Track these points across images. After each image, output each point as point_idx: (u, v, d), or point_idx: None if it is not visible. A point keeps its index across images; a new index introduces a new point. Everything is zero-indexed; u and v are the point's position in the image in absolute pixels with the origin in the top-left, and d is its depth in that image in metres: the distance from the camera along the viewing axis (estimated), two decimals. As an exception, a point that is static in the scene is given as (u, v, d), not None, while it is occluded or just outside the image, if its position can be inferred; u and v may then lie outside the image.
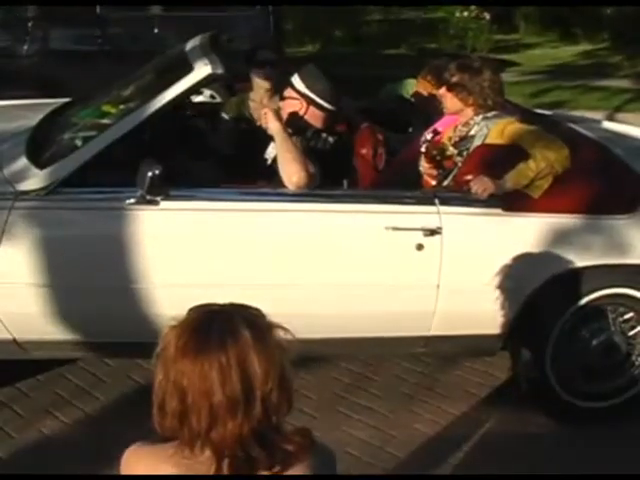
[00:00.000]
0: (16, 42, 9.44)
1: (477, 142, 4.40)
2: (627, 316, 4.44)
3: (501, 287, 4.15)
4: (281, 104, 4.53)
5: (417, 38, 17.33)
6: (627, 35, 16.04)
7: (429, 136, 4.52)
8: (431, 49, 15.87)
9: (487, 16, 16.70)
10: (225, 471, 1.84)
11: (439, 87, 4.77)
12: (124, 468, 1.97)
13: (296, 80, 4.44)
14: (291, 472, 1.88)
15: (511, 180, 4.11)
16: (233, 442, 1.82)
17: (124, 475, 1.97)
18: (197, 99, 6.74)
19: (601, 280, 4.31)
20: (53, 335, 4.11)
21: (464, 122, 4.52)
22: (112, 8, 9.54)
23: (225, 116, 5.35)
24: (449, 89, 4.51)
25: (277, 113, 4.28)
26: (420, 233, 4.06)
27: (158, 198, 3.93)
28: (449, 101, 4.54)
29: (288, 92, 4.48)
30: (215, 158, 4.86)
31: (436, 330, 4.27)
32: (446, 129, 4.64)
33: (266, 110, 4.29)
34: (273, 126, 4.19)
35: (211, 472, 1.85)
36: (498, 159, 4.23)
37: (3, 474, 4.02)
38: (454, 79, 4.48)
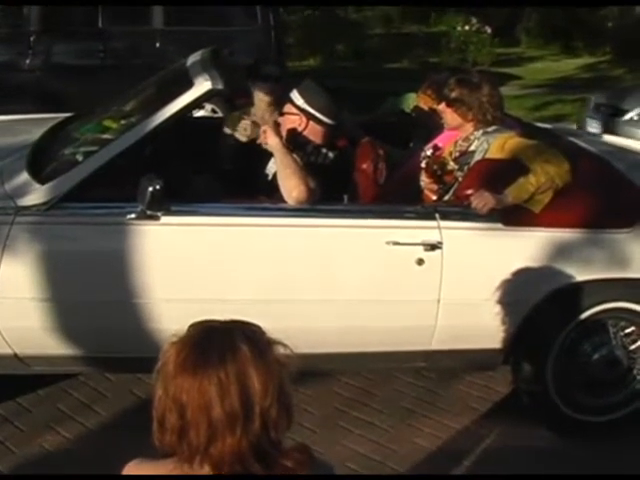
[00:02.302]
0: (18, 56, 9.49)
1: (477, 157, 4.40)
2: (628, 330, 4.43)
3: (502, 301, 4.15)
4: (280, 120, 4.53)
5: (419, 52, 17.39)
6: (629, 48, 16.08)
7: (429, 152, 4.52)
8: (433, 63, 15.90)
9: (488, 30, 16.76)
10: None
11: (439, 102, 4.78)
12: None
13: (295, 95, 4.45)
14: (290, 488, 1.89)
15: (512, 195, 4.11)
16: (232, 457, 1.82)
17: (124, 475, 1.98)
18: (198, 114, 6.76)
19: (602, 294, 4.31)
20: (54, 350, 4.10)
21: (464, 137, 4.53)
22: (114, 23, 9.58)
23: (226, 131, 5.36)
24: (449, 104, 4.52)
25: (276, 129, 4.29)
26: (421, 248, 4.06)
27: (159, 213, 3.94)
28: (449, 116, 4.56)
29: (287, 108, 4.49)
30: (216, 173, 4.87)
31: (437, 345, 4.27)
32: (447, 144, 4.65)
33: (265, 127, 4.30)
34: (272, 142, 4.20)
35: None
36: (499, 174, 4.24)
37: (3, 475, 4.02)
38: (453, 94, 4.50)
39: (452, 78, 4.61)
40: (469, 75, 4.70)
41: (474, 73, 4.77)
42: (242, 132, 5.19)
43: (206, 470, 1.85)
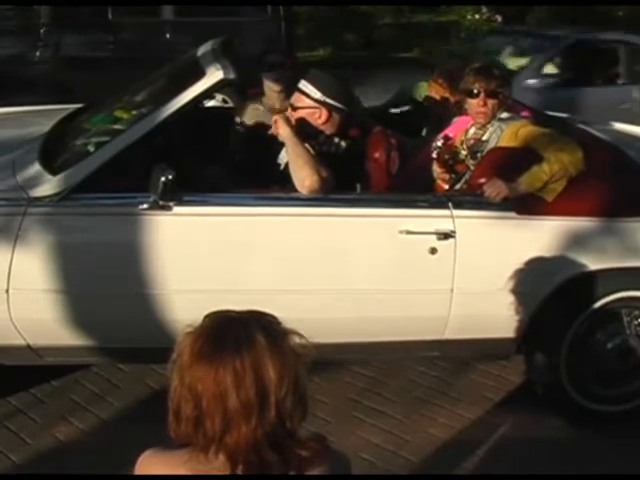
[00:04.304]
0: (29, 48, 9.49)
1: (491, 144, 4.38)
2: (642, 319, 4.42)
3: (515, 291, 4.14)
4: (294, 114, 4.46)
5: (429, 41, 17.33)
6: (640, 36, 16.01)
7: (440, 142, 4.48)
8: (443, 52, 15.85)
9: (499, 18, 16.72)
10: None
11: (451, 91, 4.75)
12: (138, 474, 1.97)
13: (309, 88, 4.38)
14: (306, 478, 1.89)
15: (525, 183, 4.09)
16: (247, 447, 1.83)
17: (131, 475, 1.98)
18: (209, 104, 6.75)
19: (615, 283, 4.30)
20: (67, 341, 4.11)
21: (480, 125, 4.48)
22: (124, 14, 9.58)
23: (238, 121, 5.35)
24: (493, 95, 4.43)
25: (287, 119, 4.28)
26: (434, 237, 4.05)
27: (171, 203, 3.93)
28: (489, 107, 4.41)
29: (301, 101, 4.42)
30: (228, 163, 4.86)
31: (450, 334, 4.26)
32: (457, 133, 4.62)
33: (276, 117, 4.29)
34: (284, 132, 4.18)
35: (226, 478, 1.85)
36: (511, 162, 4.22)
37: (4, 474, 4.03)
38: (494, 84, 4.41)
39: (495, 70, 4.53)
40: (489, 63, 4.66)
41: (494, 63, 4.70)
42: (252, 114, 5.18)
43: (221, 460, 1.86)
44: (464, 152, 4.47)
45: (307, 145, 4.19)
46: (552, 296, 4.21)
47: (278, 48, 8.63)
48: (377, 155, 4.52)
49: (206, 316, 1.92)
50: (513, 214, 4.13)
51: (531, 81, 9.54)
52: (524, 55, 10.38)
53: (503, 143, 4.32)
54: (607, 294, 4.28)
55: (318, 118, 4.38)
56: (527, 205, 4.13)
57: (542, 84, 9.55)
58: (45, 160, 4.22)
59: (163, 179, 3.83)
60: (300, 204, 4.10)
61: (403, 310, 4.17)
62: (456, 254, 4.08)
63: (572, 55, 9.98)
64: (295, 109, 4.45)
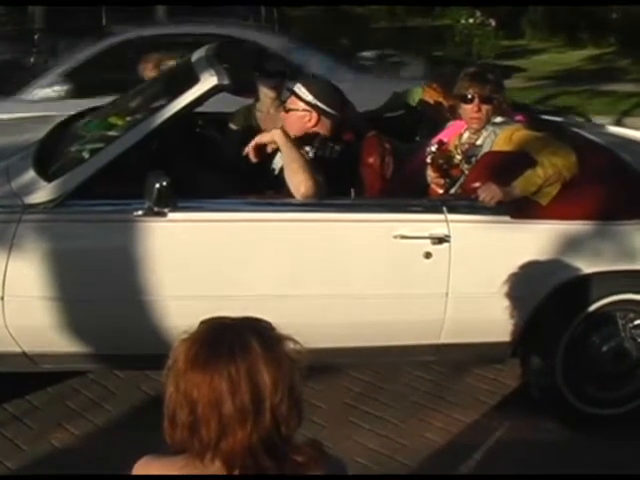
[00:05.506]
0: (23, 54, 9.48)
1: (485, 149, 4.39)
2: (637, 322, 4.41)
3: (510, 294, 4.14)
4: (285, 116, 4.49)
5: (423, 46, 17.34)
6: (634, 39, 16.04)
7: (434, 147, 4.48)
8: (437, 56, 15.87)
9: (492, 23, 16.72)
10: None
11: (445, 96, 4.75)
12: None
13: (302, 91, 4.41)
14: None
15: (519, 187, 4.10)
16: (243, 452, 1.83)
17: (128, 475, 1.98)
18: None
19: (610, 286, 4.30)
20: (62, 348, 4.10)
21: (474, 130, 4.48)
22: (118, 21, 9.58)
23: (232, 126, 5.35)
24: (487, 101, 4.43)
25: (282, 124, 4.29)
26: (428, 241, 4.05)
27: (166, 209, 3.93)
28: (483, 112, 4.39)
29: (294, 103, 4.46)
30: (222, 169, 4.86)
31: (446, 338, 4.26)
32: (451, 138, 4.62)
33: (262, 136, 4.31)
34: (279, 137, 4.19)
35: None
36: (506, 166, 4.22)
37: (4, 475, 4.02)
38: (488, 89, 4.41)
39: (489, 75, 4.52)
40: (483, 68, 4.65)
41: (486, 67, 4.69)
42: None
43: (217, 466, 1.86)
44: (458, 156, 4.47)
45: (301, 150, 4.20)
46: (547, 299, 4.21)
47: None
48: (371, 160, 4.53)
49: (201, 322, 1.92)
50: (507, 218, 4.13)
51: (42, 91, 7.25)
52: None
53: (497, 147, 4.33)
54: (602, 297, 4.29)
55: (308, 121, 4.40)
56: (521, 209, 4.14)
57: (55, 95, 7.27)
58: (40, 167, 4.22)
59: (158, 185, 3.83)
60: (295, 209, 4.10)
61: (398, 314, 4.17)
62: (451, 258, 4.08)
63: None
64: (287, 111, 4.47)
